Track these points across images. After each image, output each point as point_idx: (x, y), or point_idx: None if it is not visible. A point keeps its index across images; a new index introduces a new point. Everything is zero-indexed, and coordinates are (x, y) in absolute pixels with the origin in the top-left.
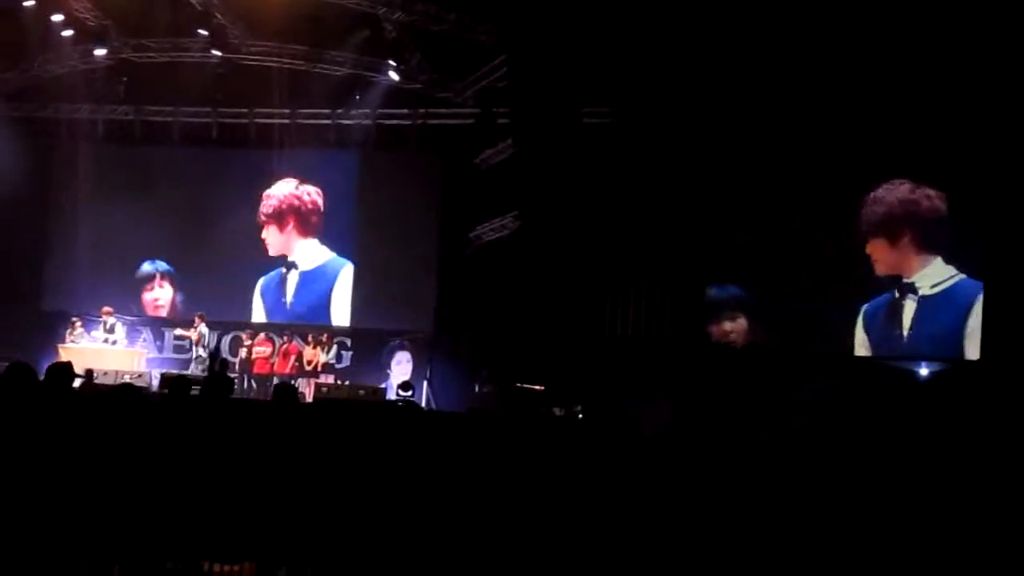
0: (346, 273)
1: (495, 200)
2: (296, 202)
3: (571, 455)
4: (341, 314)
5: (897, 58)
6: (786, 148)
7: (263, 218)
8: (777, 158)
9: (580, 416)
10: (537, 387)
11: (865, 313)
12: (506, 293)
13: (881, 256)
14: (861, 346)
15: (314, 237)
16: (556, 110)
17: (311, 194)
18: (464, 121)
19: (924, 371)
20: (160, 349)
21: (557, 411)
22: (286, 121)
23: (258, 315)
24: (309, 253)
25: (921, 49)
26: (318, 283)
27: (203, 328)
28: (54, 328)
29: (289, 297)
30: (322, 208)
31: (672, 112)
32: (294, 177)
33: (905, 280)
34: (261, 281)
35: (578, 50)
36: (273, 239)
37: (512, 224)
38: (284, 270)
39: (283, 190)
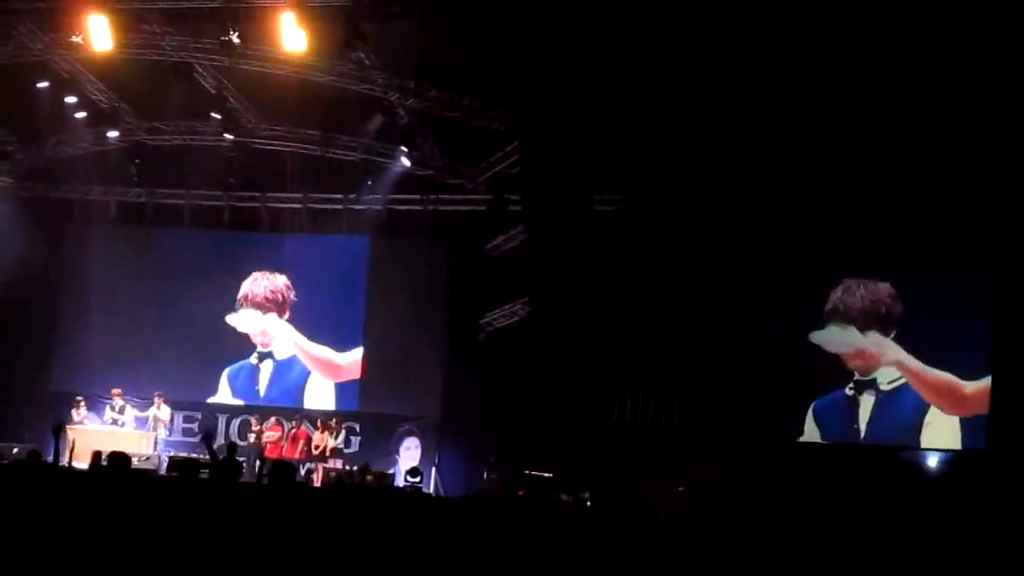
0: None
1: (506, 286)
2: (273, 294)
3: (581, 543)
4: (317, 402)
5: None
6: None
7: (246, 310)
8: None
9: (588, 503)
10: (546, 474)
11: (816, 408)
12: (516, 379)
13: (850, 353)
14: (810, 439)
15: (290, 323)
16: (568, 197)
17: (288, 285)
18: (476, 207)
19: (932, 461)
20: (170, 431)
21: (565, 497)
22: (298, 205)
23: (224, 399)
24: (284, 343)
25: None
26: (292, 373)
27: (165, 408)
28: (64, 409)
29: (263, 388)
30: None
31: (684, 200)
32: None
33: (864, 377)
34: (227, 371)
35: (590, 137)
36: (272, 329)
37: (522, 311)
38: (256, 360)
39: (263, 283)
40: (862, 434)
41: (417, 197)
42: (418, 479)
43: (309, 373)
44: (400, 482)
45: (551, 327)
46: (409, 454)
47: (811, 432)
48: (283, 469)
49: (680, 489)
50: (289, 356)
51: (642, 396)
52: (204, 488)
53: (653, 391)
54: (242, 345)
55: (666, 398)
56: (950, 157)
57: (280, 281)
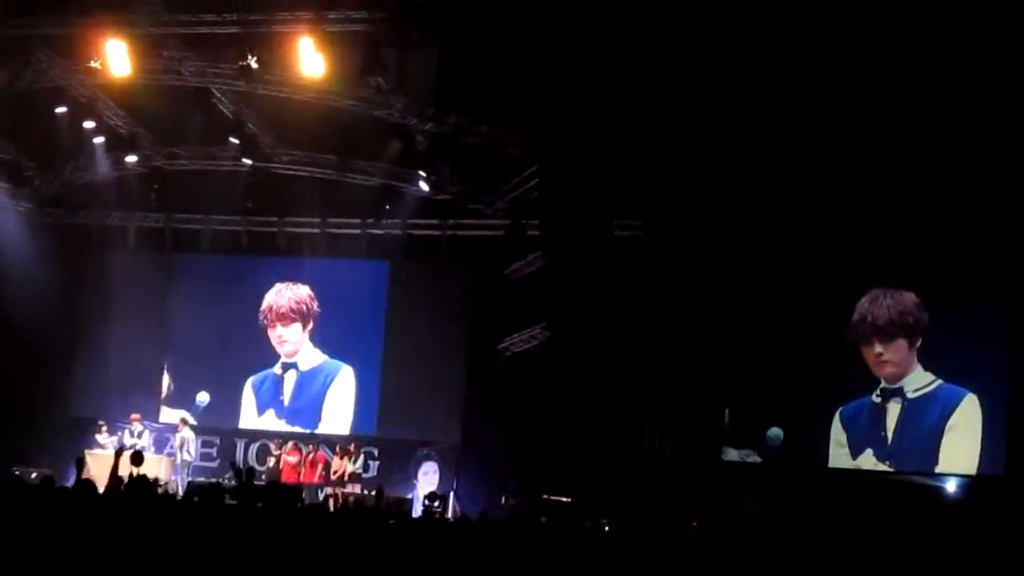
0: (344, 376)
1: (524, 312)
2: (298, 304)
3: (601, 570)
4: (335, 417)
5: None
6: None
7: (271, 320)
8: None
9: (607, 529)
10: (564, 499)
11: (843, 414)
12: (534, 405)
13: (878, 361)
14: (836, 444)
15: (311, 338)
16: (587, 222)
17: (311, 296)
18: (494, 232)
19: (951, 487)
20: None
21: (585, 523)
22: (316, 230)
23: (249, 411)
24: (308, 354)
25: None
26: (315, 383)
27: (187, 432)
28: (83, 434)
29: (287, 398)
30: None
31: (703, 225)
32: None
33: (891, 385)
34: (252, 380)
35: (609, 163)
36: (291, 338)
37: (541, 336)
38: (280, 371)
39: (287, 294)
40: (889, 441)
41: (436, 222)
42: (436, 504)
43: (331, 384)
44: (418, 507)
45: (570, 352)
46: (427, 479)
47: (837, 437)
48: (278, 492)
49: (695, 522)
50: (313, 367)
51: (660, 423)
52: (196, 510)
53: (671, 418)
54: (265, 365)
55: (685, 425)
56: (976, 170)
57: (304, 292)
